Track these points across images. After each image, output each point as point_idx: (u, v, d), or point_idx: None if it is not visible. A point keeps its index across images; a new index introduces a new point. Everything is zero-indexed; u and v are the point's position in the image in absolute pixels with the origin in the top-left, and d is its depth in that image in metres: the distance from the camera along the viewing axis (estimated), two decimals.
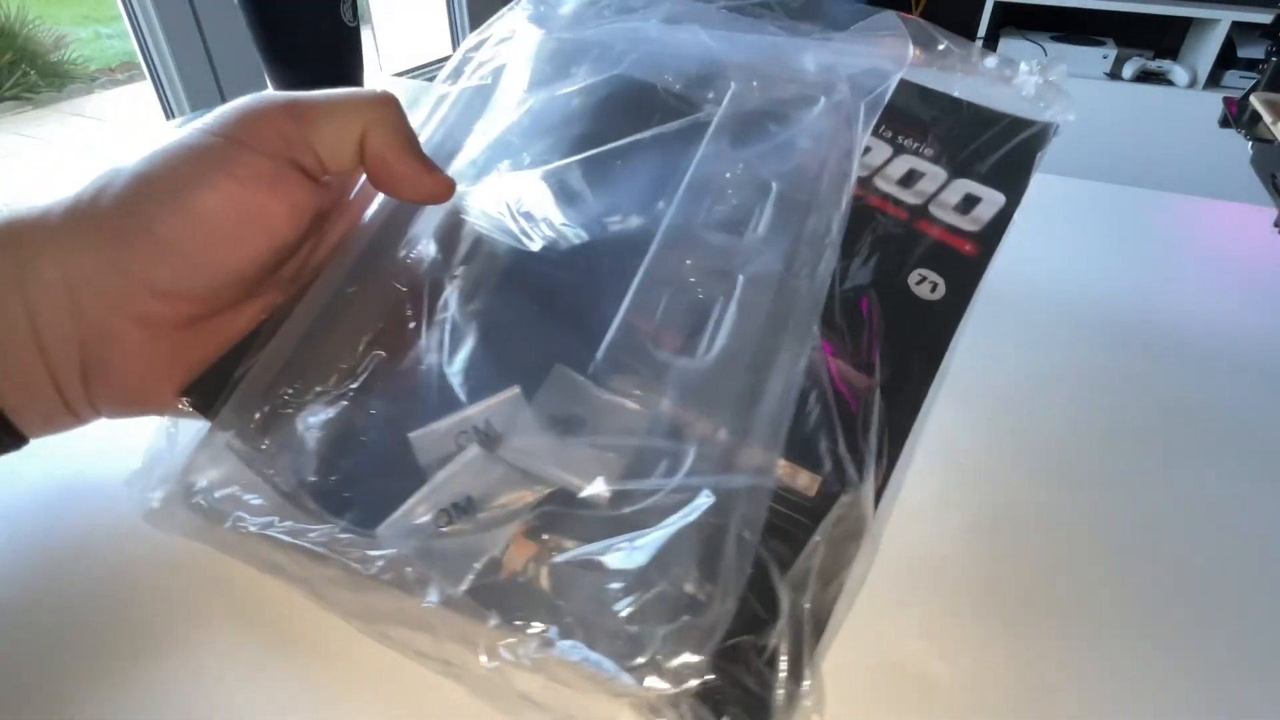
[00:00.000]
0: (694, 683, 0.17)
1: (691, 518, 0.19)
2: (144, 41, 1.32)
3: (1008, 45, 1.96)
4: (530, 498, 0.20)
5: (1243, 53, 1.77)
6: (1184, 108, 1.80)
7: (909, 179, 0.24)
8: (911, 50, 0.25)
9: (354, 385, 0.22)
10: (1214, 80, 1.83)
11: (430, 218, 0.25)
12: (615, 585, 0.18)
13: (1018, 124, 0.24)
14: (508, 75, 0.28)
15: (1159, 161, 1.86)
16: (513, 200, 0.24)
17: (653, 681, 0.17)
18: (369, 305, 0.23)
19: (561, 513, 0.19)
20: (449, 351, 0.22)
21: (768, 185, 0.24)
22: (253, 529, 0.20)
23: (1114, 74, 1.88)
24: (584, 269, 0.23)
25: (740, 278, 0.22)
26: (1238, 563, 0.27)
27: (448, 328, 0.22)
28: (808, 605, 0.18)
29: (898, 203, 0.24)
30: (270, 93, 0.21)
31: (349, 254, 0.24)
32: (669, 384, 0.21)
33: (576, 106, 0.26)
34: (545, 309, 0.23)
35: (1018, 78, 0.24)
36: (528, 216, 0.24)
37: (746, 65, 0.26)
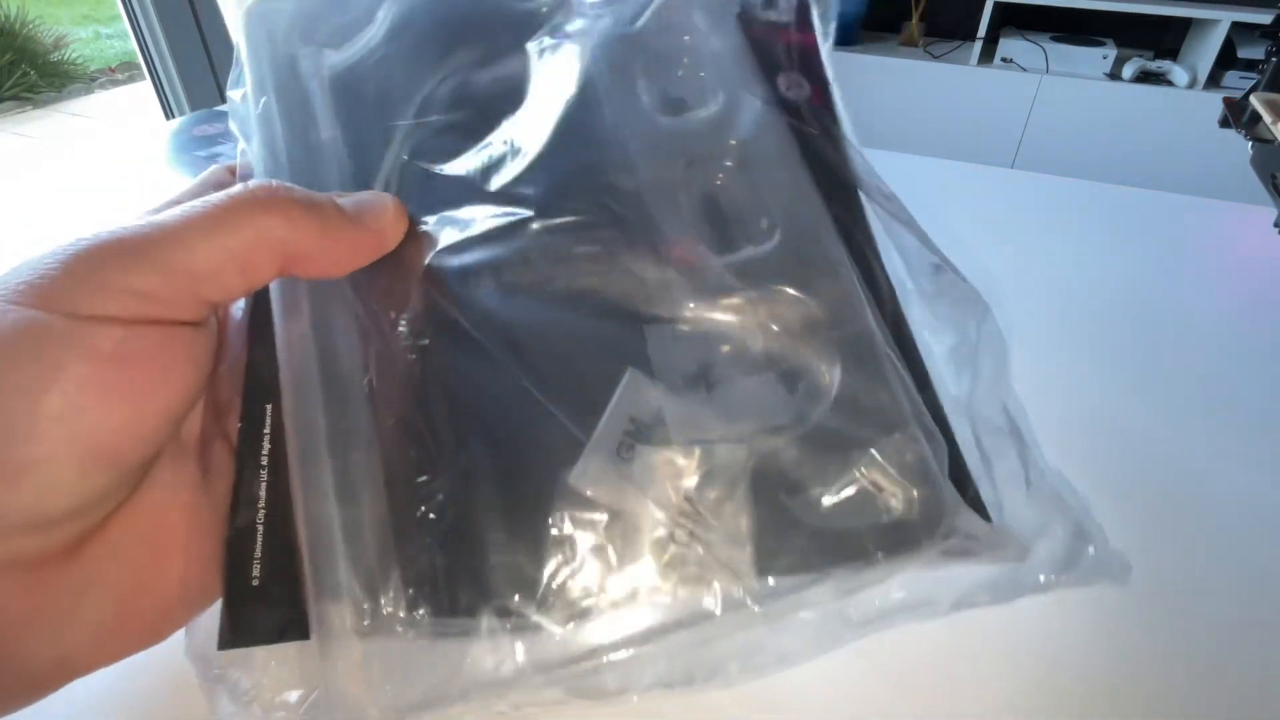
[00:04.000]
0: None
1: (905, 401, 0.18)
2: (144, 41, 1.32)
3: (1008, 45, 1.96)
4: (730, 461, 0.18)
5: (1243, 53, 1.76)
6: (1184, 108, 1.80)
7: None
8: None
9: (462, 470, 0.18)
10: (1214, 80, 1.83)
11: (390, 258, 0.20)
12: (867, 485, 0.18)
13: None
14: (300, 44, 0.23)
15: (1159, 161, 1.86)
16: (457, 190, 0.21)
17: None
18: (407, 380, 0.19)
19: (771, 453, 0.18)
20: (531, 378, 0.19)
21: (684, 48, 0.22)
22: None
23: (1114, 74, 1.88)
24: (580, 220, 0.20)
25: (733, 141, 0.21)
26: (1240, 561, 0.27)
27: (503, 354, 0.19)
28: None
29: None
30: (99, 235, 0.16)
31: (307, 350, 0.19)
32: (756, 279, 0.20)
33: (413, 55, 0.23)
34: (574, 276, 0.20)
35: None
36: (485, 199, 0.21)
37: None
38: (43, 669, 0.16)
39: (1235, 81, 1.79)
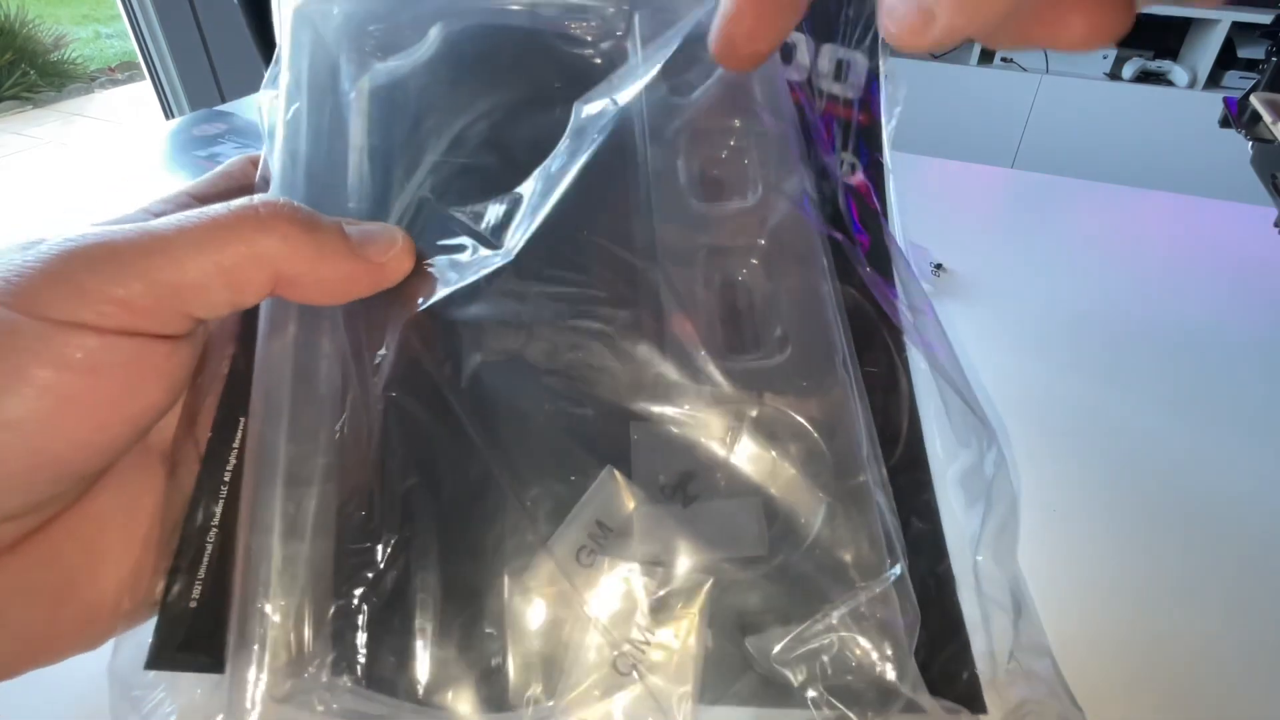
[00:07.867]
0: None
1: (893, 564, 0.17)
2: (144, 41, 1.32)
3: None
4: (690, 589, 0.17)
5: (1243, 53, 1.76)
6: (1184, 108, 1.80)
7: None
8: None
9: (403, 550, 0.17)
10: (1214, 80, 1.82)
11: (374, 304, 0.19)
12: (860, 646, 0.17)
13: None
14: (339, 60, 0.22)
15: (1159, 161, 1.86)
16: (471, 238, 0.20)
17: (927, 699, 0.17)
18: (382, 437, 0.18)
19: (736, 585, 0.17)
20: (496, 456, 0.17)
21: (734, 128, 0.21)
22: None
23: (1114, 74, 1.87)
24: (587, 294, 0.19)
25: (763, 240, 0.20)
26: (1242, 558, 0.27)
27: (472, 424, 0.18)
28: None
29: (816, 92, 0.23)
30: (87, 237, 0.15)
31: (278, 382, 0.18)
32: (758, 393, 0.18)
33: (457, 84, 0.22)
34: (567, 352, 0.19)
35: None
36: (496, 253, 0.19)
37: None
38: None
39: (1235, 81, 1.79)
